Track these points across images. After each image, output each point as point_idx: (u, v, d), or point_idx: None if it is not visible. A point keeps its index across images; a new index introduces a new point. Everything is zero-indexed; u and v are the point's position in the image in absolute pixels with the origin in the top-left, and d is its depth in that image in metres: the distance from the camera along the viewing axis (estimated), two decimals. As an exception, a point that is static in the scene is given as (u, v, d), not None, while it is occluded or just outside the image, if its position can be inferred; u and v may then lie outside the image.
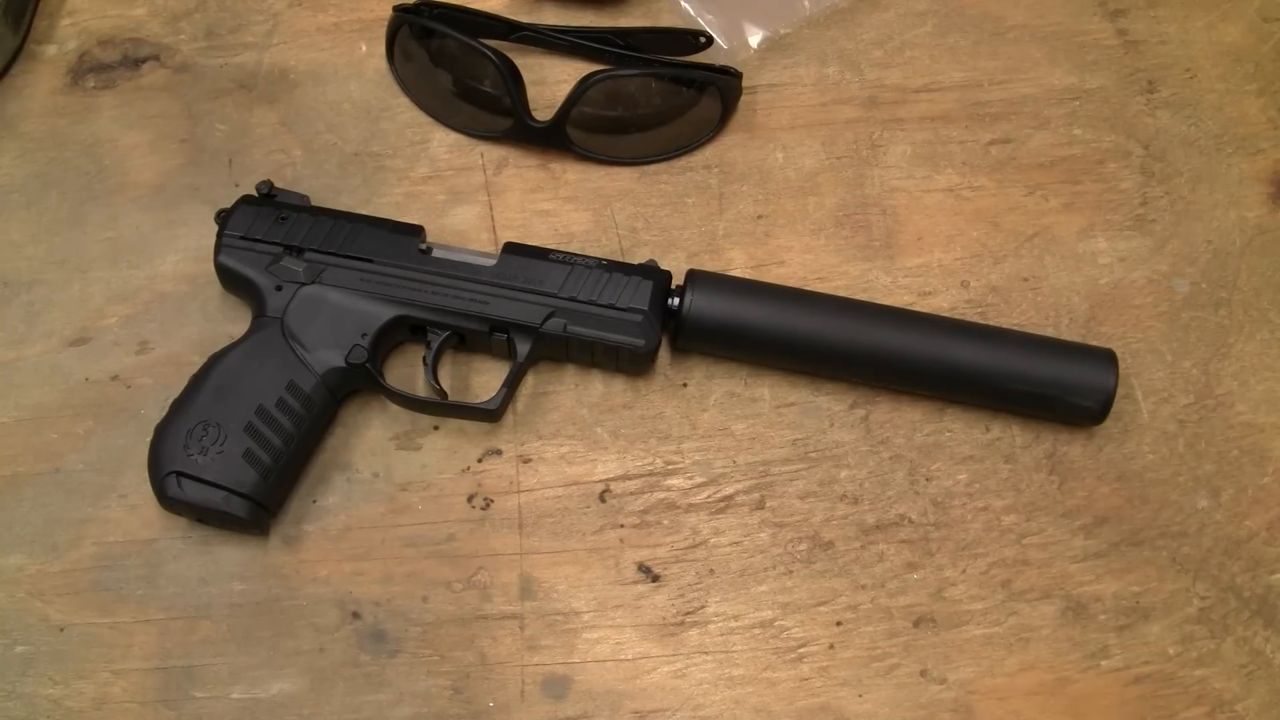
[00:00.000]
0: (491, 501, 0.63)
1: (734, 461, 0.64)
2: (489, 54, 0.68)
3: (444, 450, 0.64)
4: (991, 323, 0.67)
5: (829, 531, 0.63)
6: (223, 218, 0.65)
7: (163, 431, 0.60)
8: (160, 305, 0.67)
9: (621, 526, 0.63)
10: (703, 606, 0.61)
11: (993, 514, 0.63)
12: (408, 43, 0.72)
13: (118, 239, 0.69)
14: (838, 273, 0.69)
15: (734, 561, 0.62)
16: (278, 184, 0.67)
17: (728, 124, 0.73)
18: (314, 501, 0.63)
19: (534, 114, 0.70)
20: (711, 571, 0.62)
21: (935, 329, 0.63)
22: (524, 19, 0.74)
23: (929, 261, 0.69)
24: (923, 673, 0.60)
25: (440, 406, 0.63)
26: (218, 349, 0.62)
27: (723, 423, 0.65)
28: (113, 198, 0.70)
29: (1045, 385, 0.62)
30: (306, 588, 0.61)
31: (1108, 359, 0.62)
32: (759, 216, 0.71)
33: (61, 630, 0.60)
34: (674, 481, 0.64)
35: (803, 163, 0.72)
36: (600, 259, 0.64)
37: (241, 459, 0.59)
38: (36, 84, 0.73)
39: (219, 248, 0.64)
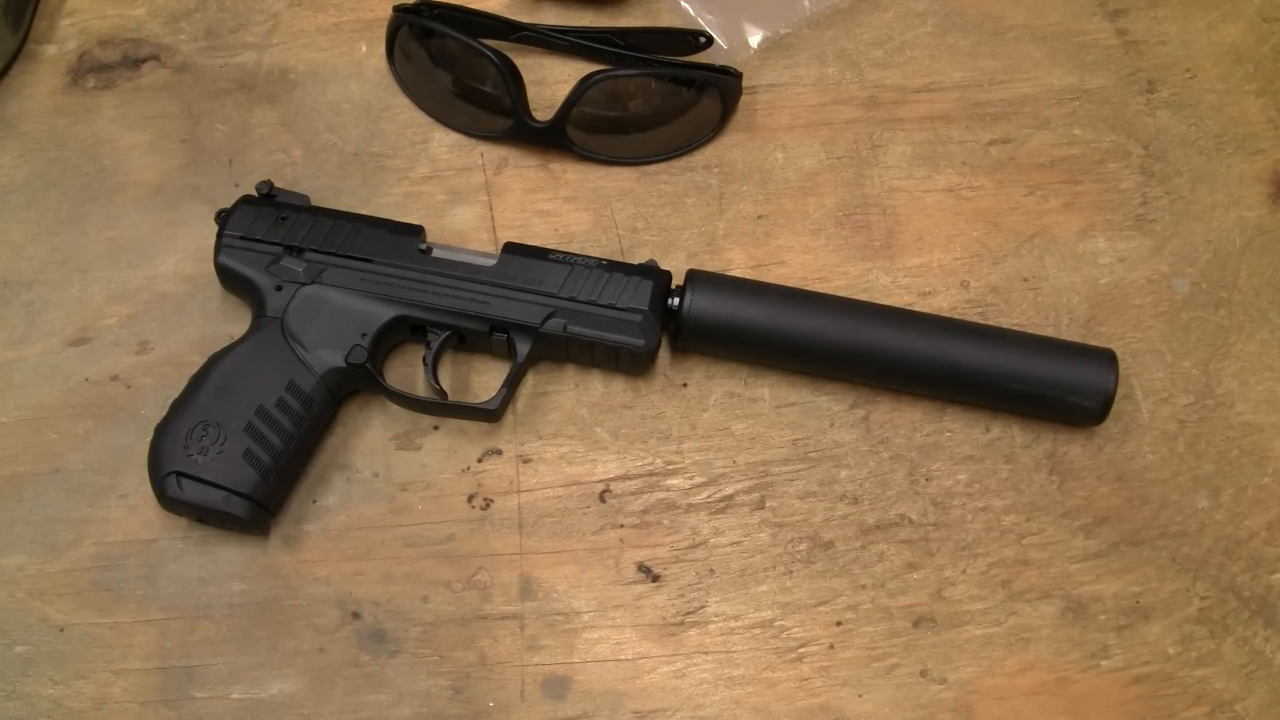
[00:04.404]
0: (491, 501, 0.63)
1: (734, 461, 0.64)
2: (489, 54, 0.68)
3: (444, 450, 0.64)
4: (991, 323, 0.67)
5: (829, 531, 0.63)
6: (223, 218, 0.65)
7: (163, 431, 0.60)
8: (160, 305, 0.67)
9: (621, 526, 0.63)
10: (703, 606, 0.61)
11: (993, 514, 0.63)
12: (408, 43, 0.72)
13: (118, 239, 0.69)
14: (838, 273, 0.69)
15: (734, 561, 0.62)
16: (278, 184, 0.67)
17: (728, 124, 0.73)
18: (314, 501, 0.63)
19: (534, 114, 0.70)
20: (711, 571, 0.62)
21: (935, 329, 0.63)
22: (524, 19, 0.74)
23: (929, 261, 0.69)
24: (923, 673, 0.60)
25: (440, 406, 0.63)
26: (218, 349, 0.62)
27: (723, 423, 0.65)
28: (113, 198, 0.70)
29: (1045, 385, 0.62)
30: (306, 588, 0.61)
31: (1108, 359, 0.62)
32: (759, 216, 0.71)
33: (61, 630, 0.60)
34: (674, 481, 0.64)
35: (803, 163, 0.72)
36: (600, 259, 0.64)
37: (241, 459, 0.59)
38: (36, 84, 0.73)
39: (219, 248, 0.64)
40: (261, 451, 0.59)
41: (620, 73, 0.70)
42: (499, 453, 0.64)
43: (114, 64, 0.74)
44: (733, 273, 0.69)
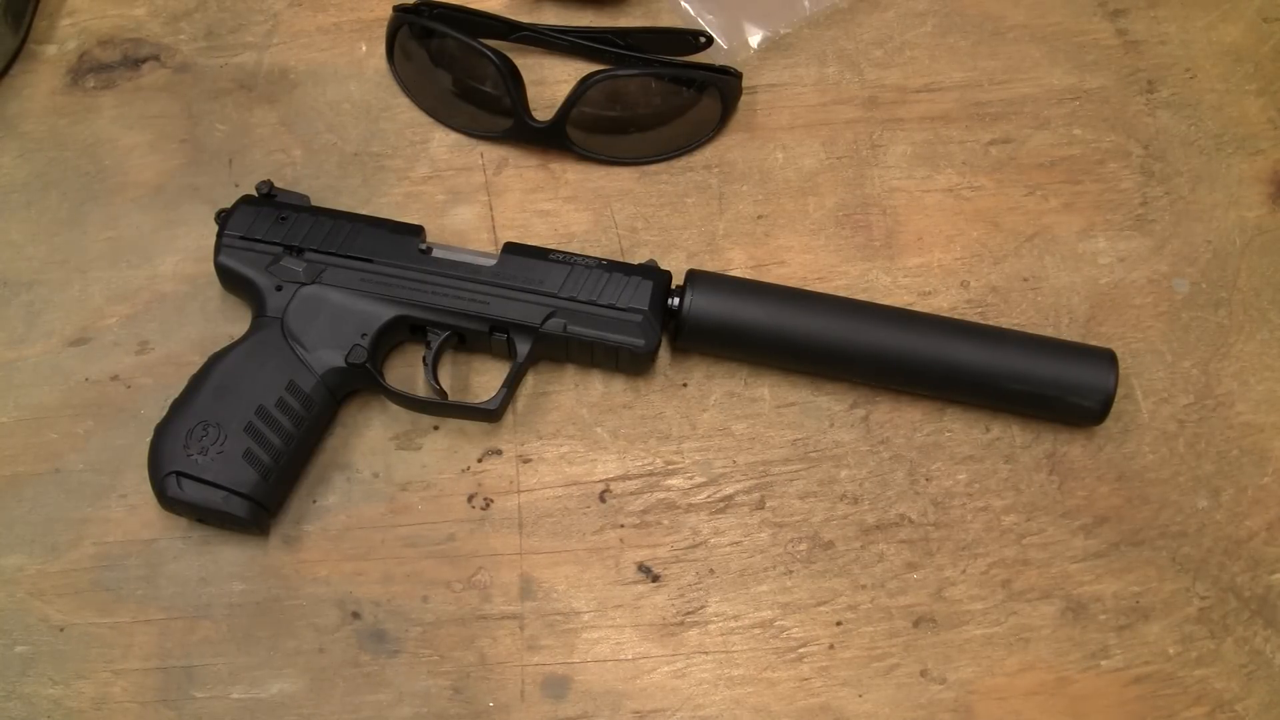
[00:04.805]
0: (491, 501, 0.63)
1: (734, 461, 0.64)
2: (489, 54, 0.68)
3: (444, 450, 0.64)
4: (991, 323, 0.67)
5: (829, 531, 0.63)
6: (223, 218, 0.65)
7: (163, 431, 0.60)
8: (160, 305, 0.67)
9: (621, 526, 0.63)
10: (703, 606, 0.61)
11: (993, 514, 0.63)
12: (408, 43, 0.72)
13: (118, 239, 0.69)
14: (838, 273, 0.69)
15: (734, 561, 0.62)
16: (278, 184, 0.67)
17: (728, 124, 0.73)
18: (314, 501, 0.63)
19: (534, 114, 0.70)
20: (711, 571, 0.62)
21: (935, 329, 0.63)
22: (524, 19, 0.74)
23: (929, 261, 0.69)
24: (923, 673, 0.60)
25: (440, 406, 0.63)
26: (218, 349, 0.62)
27: (723, 423, 0.65)
28: (113, 198, 0.70)
29: (1045, 385, 0.62)
30: (306, 588, 0.61)
31: (1108, 359, 0.62)
32: (759, 216, 0.71)
33: (61, 630, 0.60)
34: (674, 481, 0.64)
35: (803, 163, 0.72)
36: (600, 259, 0.64)
37: (241, 459, 0.59)
38: (36, 84, 0.73)
39: (219, 248, 0.64)
40: (261, 451, 0.59)
41: (620, 73, 0.70)
42: (499, 453, 0.64)
43: (114, 64, 0.74)
44: (733, 273, 0.69)
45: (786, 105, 0.74)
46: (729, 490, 0.64)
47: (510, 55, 0.70)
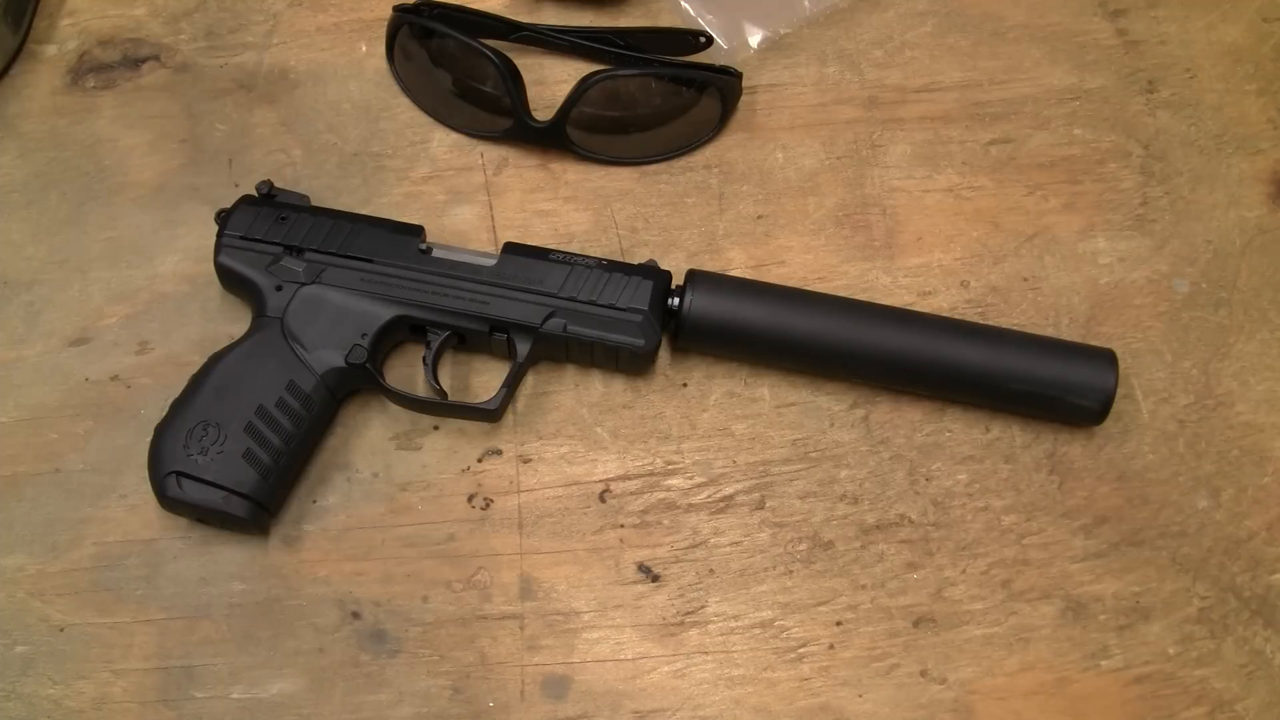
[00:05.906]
0: (491, 501, 0.63)
1: (734, 461, 0.64)
2: (489, 54, 0.68)
3: (444, 450, 0.64)
4: (991, 323, 0.67)
5: (829, 531, 0.63)
6: (223, 218, 0.65)
7: (163, 431, 0.60)
8: (160, 305, 0.67)
9: (621, 526, 0.63)
10: (703, 606, 0.61)
11: (993, 514, 0.63)
12: (408, 43, 0.72)
13: (118, 239, 0.69)
14: (838, 273, 0.69)
15: (734, 561, 0.62)
16: (278, 184, 0.67)
17: (728, 124, 0.73)
18: (314, 501, 0.63)
19: (534, 114, 0.70)
20: (711, 571, 0.62)
21: (935, 329, 0.63)
22: (524, 19, 0.74)
23: (929, 261, 0.69)
24: (923, 673, 0.60)
25: (440, 406, 0.63)
26: (218, 349, 0.62)
27: (723, 423, 0.65)
28: (113, 198, 0.70)
29: (1045, 385, 0.62)
30: (306, 588, 0.61)
31: (1108, 359, 0.62)
32: (759, 216, 0.71)
33: (61, 630, 0.60)
34: (674, 481, 0.64)
35: (803, 163, 0.72)
36: (600, 259, 0.64)
37: (241, 459, 0.59)
38: (36, 84, 0.73)
39: (219, 248, 0.64)
40: (261, 451, 0.59)
41: (620, 73, 0.70)
42: (499, 453, 0.64)
43: (114, 64, 0.74)
44: (733, 273, 0.69)
45: (786, 105, 0.74)
46: (729, 490, 0.64)
47: (510, 55, 0.70)
